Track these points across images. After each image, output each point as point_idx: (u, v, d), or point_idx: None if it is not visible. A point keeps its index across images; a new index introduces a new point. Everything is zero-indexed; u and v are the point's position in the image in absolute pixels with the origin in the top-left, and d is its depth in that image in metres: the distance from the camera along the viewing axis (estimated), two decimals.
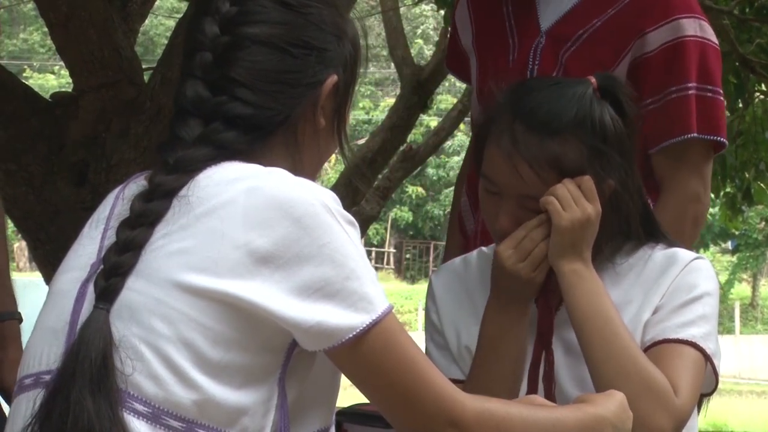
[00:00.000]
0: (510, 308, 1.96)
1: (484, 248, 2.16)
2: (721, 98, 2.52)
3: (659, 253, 2.02)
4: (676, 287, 1.97)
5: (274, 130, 1.61)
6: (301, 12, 1.64)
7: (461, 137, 26.25)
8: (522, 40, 2.56)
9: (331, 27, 1.66)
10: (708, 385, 1.99)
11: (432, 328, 2.12)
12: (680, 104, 2.47)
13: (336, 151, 1.72)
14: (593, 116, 1.94)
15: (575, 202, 1.91)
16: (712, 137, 2.48)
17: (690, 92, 2.47)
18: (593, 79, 1.99)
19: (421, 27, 30.51)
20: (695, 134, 2.45)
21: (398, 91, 7.95)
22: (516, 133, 1.92)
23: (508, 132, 1.93)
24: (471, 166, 2.59)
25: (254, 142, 1.59)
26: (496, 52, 2.59)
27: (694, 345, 1.92)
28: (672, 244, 2.04)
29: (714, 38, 2.51)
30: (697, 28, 2.48)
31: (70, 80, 4.39)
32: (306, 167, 1.63)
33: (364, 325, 1.50)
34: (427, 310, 2.14)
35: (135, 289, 1.49)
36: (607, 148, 1.94)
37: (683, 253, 2.01)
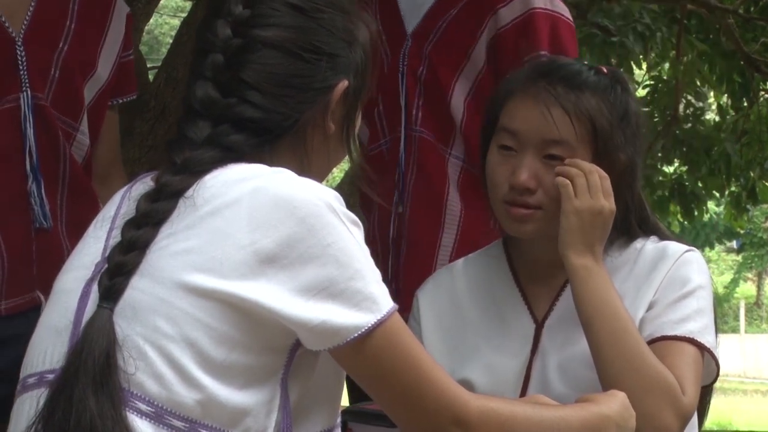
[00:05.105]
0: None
1: (471, 255, 2.14)
2: None
3: (650, 246, 2.01)
4: (670, 281, 1.96)
5: (283, 134, 1.61)
6: (313, 17, 1.63)
7: None
8: (393, 48, 2.63)
9: (342, 33, 1.65)
10: (709, 375, 1.99)
11: None
12: None
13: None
14: (615, 89, 1.97)
15: (591, 193, 1.91)
16: None
17: None
18: (604, 69, 2.01)
19: None
20: None
21: None
22: (549, 85, 1.95)
23: (542, 85, 1.95)
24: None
25: (262, 146, 1.59)
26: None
27: (691, 341, 1.92)
28: (663, 238, 2.04)
29: (566, 12, 2.60)
30: (546, 1, 2.57)
31: None
32: (314, 172, 1.63)
33: (369, 325, 1.49)
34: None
35: (139, 289, 1.49)
36: (626, 125, 1.96)
37: (674, 246, 2.00)
